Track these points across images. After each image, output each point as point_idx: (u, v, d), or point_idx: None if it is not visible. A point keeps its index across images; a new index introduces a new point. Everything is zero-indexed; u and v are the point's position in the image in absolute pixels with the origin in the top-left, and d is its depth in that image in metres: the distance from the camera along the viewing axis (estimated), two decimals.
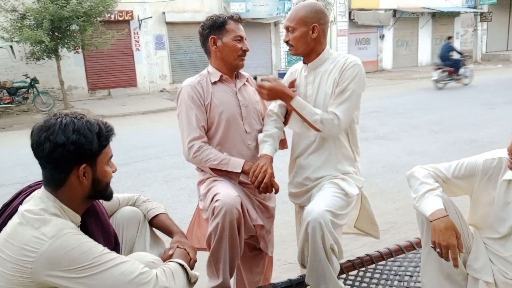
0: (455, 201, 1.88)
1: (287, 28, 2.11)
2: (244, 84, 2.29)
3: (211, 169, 2.11)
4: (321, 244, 1.81)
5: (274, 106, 2.26)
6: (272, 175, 2.01)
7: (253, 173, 1.99)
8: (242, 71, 2.33)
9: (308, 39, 2.07)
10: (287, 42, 2.13)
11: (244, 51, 2.19)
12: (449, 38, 13.50)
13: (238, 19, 2.20)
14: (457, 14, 22.82)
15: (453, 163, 1.94)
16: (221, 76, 2.19)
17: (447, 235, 1.67)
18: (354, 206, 2.13)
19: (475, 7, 22.58)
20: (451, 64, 12.69)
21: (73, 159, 1.33)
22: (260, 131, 2.26)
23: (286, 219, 3.56)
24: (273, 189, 2.03)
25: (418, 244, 2.34)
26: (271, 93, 2.06)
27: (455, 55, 13.02)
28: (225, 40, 2.15)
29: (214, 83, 2.18)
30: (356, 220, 2.35)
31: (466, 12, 22.79)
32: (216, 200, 1.89)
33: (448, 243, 1.67)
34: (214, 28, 2.17)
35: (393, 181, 4.81)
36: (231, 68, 2.22)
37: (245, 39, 2.21)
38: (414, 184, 1.91)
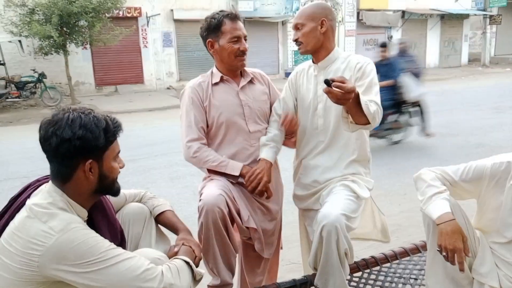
0: (462, 205, 1.87)
1: (296, 27, 2.11)
2: (251, 82, 2.24)
3: (208, 170, 2.13)
4: (336, 248, 1.81)
5: (277, 105, 2.25)
6: (267, 183, 2.04)
7: (248, 177, 2.02)
8: (251, 69, 2.29)
9: (318, 34, 2.07)
10: (296, 41, 2.12)
11: (242, 51, 2.13)
12: None
13: (234, 17, 2.12)
14: (466, 16, 22.67)
15: (461, 166, 1.92)
16: (222, 77, 2.17)
17: (453, 238, 1.66)
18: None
19: (484, 10, 22.43)
20: None
21: (79, 154, 1.34)
22: (266, 129, 2.24)
23: (290, 219, 3.54)
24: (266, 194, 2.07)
25: (424, 247, 2.33)
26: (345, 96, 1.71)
27: None
28: (222, 43, 2.10)
29: (215, 84, 2.16)
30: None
31: (475, 15, 22.64)
32: (200, 200, 1.91)
33: (454, 247, 1.66)
34: (210, 31, 2.12)
35: (399, 184, 4.79)
36: (231, 69, 2.18)
37: (244, 37, 2.14)
38: (421, 187, 1.90)
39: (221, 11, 2.15)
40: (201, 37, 2.19)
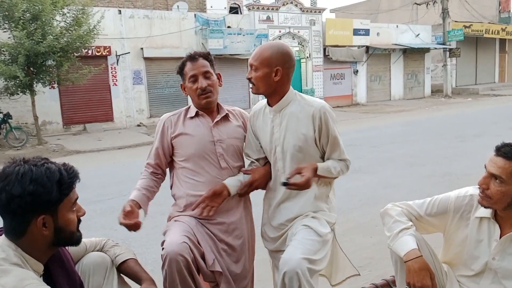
0: (428, 239, 1.88)
1: (250, 66, 2.08)
2: (227, 118, 2.26)
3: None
4: None
5: (246, 148, 2.28)
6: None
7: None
8: (231, 107, 2.37)
9: (270, 81, 2.03)
10: (249, 80, 2.09)
11: (201, 89, 2.14)
12: None
13: (192, 57, 2.20)
14: (427, 50, 23.77)
15: (426, 200, 1.95)
16: (197, 112, 2.23)
17: (421, 276, 1.67)
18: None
19: (443, 44, 23.56)
20: None
21: (31, 210, 1.29)
22: (239, 167, 2.25)
23: (263, 256, 3.49)
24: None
25: (394, 283, 2.32)
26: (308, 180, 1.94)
27: None
28: (186, 84, 2.24)
29: (190, 118, 2.22)
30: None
31: (436, 48, 23.76)
32: (162, 248, 1.88)
33: (422, 284, 1.66)
34: (180, 75, 2.27)
35: (370, 215, 4.81)
36: (200, 108, 2.24)
37: (205, 74, 2.16)
38: (388, 222, 1.91)
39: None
40: None
